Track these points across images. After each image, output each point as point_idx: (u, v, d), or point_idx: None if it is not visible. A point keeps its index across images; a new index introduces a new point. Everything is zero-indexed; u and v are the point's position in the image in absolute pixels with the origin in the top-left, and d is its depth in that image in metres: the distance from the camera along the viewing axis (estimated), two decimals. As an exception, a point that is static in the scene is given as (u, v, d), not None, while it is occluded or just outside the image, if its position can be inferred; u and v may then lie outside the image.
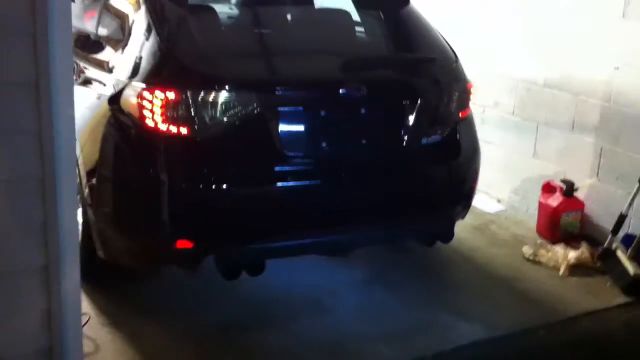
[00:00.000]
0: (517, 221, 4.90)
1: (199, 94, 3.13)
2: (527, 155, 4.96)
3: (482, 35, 5.20)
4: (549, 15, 4.69)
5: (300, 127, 3.37)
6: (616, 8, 4.25)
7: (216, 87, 3.15)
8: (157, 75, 3.23)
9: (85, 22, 4.31)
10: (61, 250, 1.97)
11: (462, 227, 4.31)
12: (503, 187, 5.15)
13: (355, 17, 3.99)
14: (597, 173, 4.48)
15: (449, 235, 3.81)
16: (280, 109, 3.29)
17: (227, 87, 3.17)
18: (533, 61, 4.84)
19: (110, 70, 3.57)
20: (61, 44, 1.81)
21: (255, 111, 3.22)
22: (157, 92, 3.10)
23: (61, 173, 1.93)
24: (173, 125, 3.12)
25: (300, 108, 3.37)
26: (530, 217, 4.84)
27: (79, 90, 3.73)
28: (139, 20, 3.51)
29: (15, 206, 1.96)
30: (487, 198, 5.14)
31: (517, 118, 5.03)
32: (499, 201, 5.19)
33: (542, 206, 4.61)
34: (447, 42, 3.88)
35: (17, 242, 1.96)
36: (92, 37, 3.98)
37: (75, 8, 4.60)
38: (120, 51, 3.57)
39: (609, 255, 4.11)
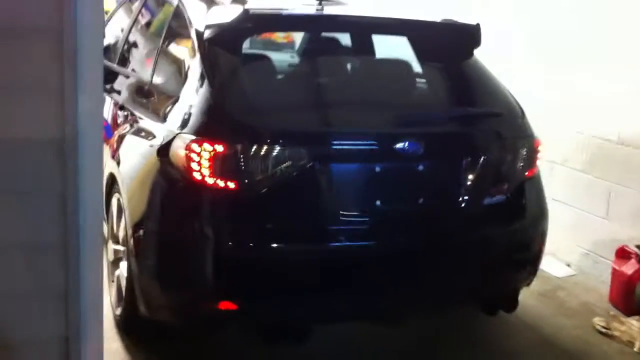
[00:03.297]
0: (588, 288, 4.56)
1: (249, 147, 2.98)
2: (599, 217, 4.64)
3: (553, 88, 4.95)
4: (621, 69, 4.41)
5: (354, 184, 3.19)
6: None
7: (266, 141, 3.00)
8: (206, 127, 3.10)
9: (147, 69, 4.27)
10: (82, 321, 1.82)
11: (527, 293, 4.02)
12: (573, 250, 4.83)
13: (417, 67, 3.82)
14: (677, 239, 4.14)
15: (512, 304, 3.55)
16: (333, 164, 3.13)
17: (277, 141, 3.01)
18: (605, 116, 4.56)
19: (163, 120, 3.48)
20: (90, 100, 1.67)
21: (307, 166, 3.05)
22: (206, 145, 2.97)
23: (85, 238, 1.78)
24: (221, 179, 2.98)
25: (354, 164, 3.19)
26: (602, 285, 4.51)
27: (131, 140, 3.73)
28: (193, 68, 3.42)
29: (34, 271, 1.82)
30: (555, 261, 4.82)
31: (588, 176, 4.73)
32: (568, 265, 4.86)
33: (615, 273, 4.28)
34: (512, 96, 3.65)
35: (36, 311, 1.82)
36: (147, 84, 3.91)
37: (139, 53, 4.58)
38: (172, 100, 3.48)
39: (689, 331, 3.75)
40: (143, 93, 3.96)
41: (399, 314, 3.33)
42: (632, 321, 3.96)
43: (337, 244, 3.14)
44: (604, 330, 3.97)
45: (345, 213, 3.12)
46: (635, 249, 4.22)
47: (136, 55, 4.56)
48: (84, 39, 1.66)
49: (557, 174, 4.90)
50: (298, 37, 5.00)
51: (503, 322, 3.93)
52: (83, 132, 1.74)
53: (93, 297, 1.89)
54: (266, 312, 3.10)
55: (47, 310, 1.84)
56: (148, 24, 4.65)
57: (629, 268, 4.20)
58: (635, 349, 3.78)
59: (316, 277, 3.09)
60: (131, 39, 4.61)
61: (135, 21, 4.61)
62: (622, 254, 4.31)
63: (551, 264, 4.74)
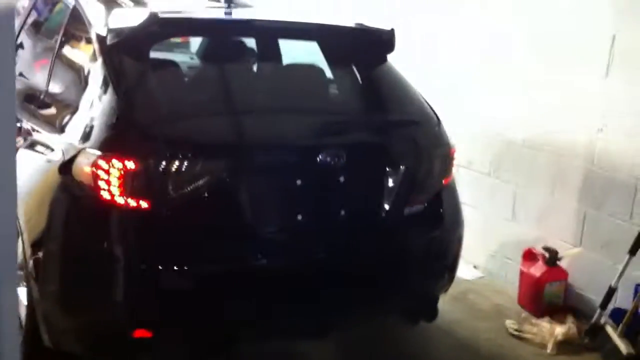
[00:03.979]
0: (497, 290, 4.62)
1: (162, 163, 2.78)
2: (505, 219, 4.71)
3: (455, 87, 4.98)
4: (531, 70, 4.48)
5: (274, 199, 3.05)
6: (599, 68, 4.07)
7: (181, 155, 2.81)
8: (114, 140, 2.87)
9: (36, 72, 3.94)
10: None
11: (440, 297, 4.00)
12: (479, 252, 4.88)
13: (330, 74, 3.71)
14: (581, 240, 4.24)
15: (433, 312, 3.51)
16: (252, 178, 2.97)
17: (193, 155, 2.83)
18: (510, 118, 4.62)
19: (61, 131, 3.19)
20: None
21: (224, 181, 2.89)
22: (114, 161, 2.74)
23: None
24: (132, 198, 2.75)
25: (274, 177, 3.05)
26: (509, 285, 4.58)
27: (25, 154, 3.41)
28: (94, 74, 3.16)
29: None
30: (463, 263, 4.81)
31: (493, 179, 4.79)
32: (475, 267, 4.92)
33: (524, 275, 4.35)
34: (428, 103, 3.61)
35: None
36: (41, 92, 3.60)
37: (25, 55, 4.23)
38: (71, 110, 3.20)
39: (598, 331, 3.85)
40: (36, 101, 3.64)
41: (323, 329, 3.22)
42: (543, 323, 4.03)
43: (257, 262, 2.99)
44: (516, 332, 4.03)
45: (265, 230, 2.99)
46: (542, 251, 4.30)
47: (24, 59, 4.21)
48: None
49: (462, 177, 4.93)
50: (197, 38, 4.78)
51: (419, 328, 3.88)
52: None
53: (9, 338, 1.65)
54: (184, 337, 2.91)
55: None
56: (37, 25, 4.31)
57: (536, 270, 4.28)
58: (548, 351, 3.84)
59: (236, 298, 2.93)
60: (18, 40, 4.25)
61: (24, 22, 4.25)
62: (529, 256, 4.38)
63: (460, 266, 4.75)
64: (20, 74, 4.05)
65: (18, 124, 3.63)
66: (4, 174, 1.47)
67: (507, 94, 4.64)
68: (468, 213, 4.58)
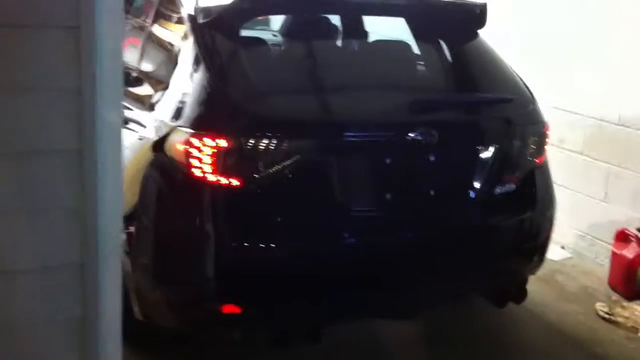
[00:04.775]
0: (586, 271, 4.49)
1: (254, 141, 2.78)
2: (597, 199, 4.55)
3: (549, 65, 4.82)
4: (626, 45, 4.29)
5: (363, 177, 3.02)
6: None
7: (274, 133, 2.80)
8: (206, 118, 2.89)
9: (125, 51, 4.00)
10: (100, 349, 1.62)
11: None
12: (568, 232, 4.74)
13: (419, 51, 3.63)
14: (678, 222, 4.07)
15: (522, 294, 3.44)
16: (342, 156, 2.94)
17: (285, 133, 2.81)
18: (605, 94, 4.44)
19: (151, 109, 3.24)
20: (109, 107, 1.46)
21: (315, 159, 2.87)
22: (207, 140, 2.76)
23: (105, 257, 1.58)
24: (224, 176, 2.77)
25: (364, 155, 3.02)
26: (599, 267, 4.45)
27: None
28: (186, 52, 3.18)
29: (49, 295, 1.61)
30: (550, 244, 4.72)
31: (585, 157, 4.63)
32: (563, 247, 4.78)
33: (616, 257, 4.20)
34: (522, 80, 3.50)
35: (50, 341, 1.62)
36: (132, 70, 3.66)
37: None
38: (162, 88, 3.24)
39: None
40: (129, 79, 3.70)
41: (411, 309, 3.20)
42: (636, 306, 3.90)
43: (346, 241, 2.96)
44: (607, 316, 3.91)
45: (354, 209, 2.96)
46: (636, 232, 4.15)
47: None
48: (104, 38, 1.44)
49: (553, 155, 4.78)
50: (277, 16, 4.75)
51: (506, 311, 3.81)
52: (102, 142, 1.53)
53: (111, 324, 1.69)
54: (273, 315, 2.94)
55: (63, 339, 1.64)
56: (125, 4, 4.37)
57: (629, 252, 4.13)
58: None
59: (326, 277, 2.92)
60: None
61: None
62: (622, 237, 4.23)
63: (547, 247, 4.65)
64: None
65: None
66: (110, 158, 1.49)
67: (602, 69, 4.45)
68: (557, 192, 4.45)
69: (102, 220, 1.57)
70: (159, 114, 3.15)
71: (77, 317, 1.64)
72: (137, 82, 3.57)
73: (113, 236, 1.61)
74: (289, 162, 2.82)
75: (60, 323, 1.64)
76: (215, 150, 2.76)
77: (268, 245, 2.84)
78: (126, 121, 3.44)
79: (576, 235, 4.71)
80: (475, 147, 3.16)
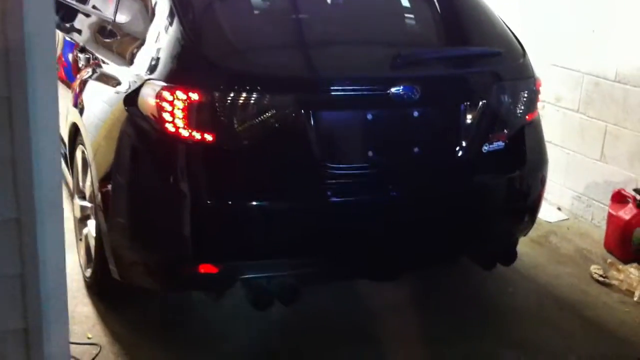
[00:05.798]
0: (582, 233, 4.38)
1: (227, 94, 2.67)
2: (593, 159, 4.42)
3: (541, 20, 4.66)
4: (627, 2, 4.13)
5: (343, 134, 2.90)
6: None
7: (247, 87, 2.69)
8: (179, 71, 2.77)
9: (109, 5, 3.87)
10: (44, 312, 1.53)
11: (520, 240, 3.81)
12: (564, 193, 4.63)
13: (405, 2, 3.49)
14: (676, 182, 3.95)
15: (511, 256, 3.34)
16: (321, 112, 2.82)
17: (260, 87, 2.70)
18: (603, 51, 4.29)
19: (130, 63, 3.13)
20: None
21: (292, 115, 2.75)
22: (179, 92, 2.65)
23: (43, 211, 1.49)
24: (197, 131, 2.67)
25: (344, 111, 2.90)
26: (595, 229, 4.34)
27: (95, 86, 3.38)
28: (161, 4, 3.05)
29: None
30: (546, 205, 4.61)
31: (582, 116, 4.49)
32: (559, 209, 4.67)
33: (612, 218, 4.09)
34: (512, 32, 3.36)
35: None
36: (109, 24, 3.54)
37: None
38: (139, 41, 3.13)
39: (691, 278, 3.60)
40: (106, 33, 3.58)
41: (393, 270, 3.10)
42: (631, 269, 3.80)
43: (325, 199, 2.86)
44: (601, 279, 3.81)
45: (333, 166, 2.85)
46: (633, 193, 4.03)
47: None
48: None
49: (548, 113, 4.66)
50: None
51: (497, 272, 3.71)
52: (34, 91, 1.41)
53: (55, 283, 1.60)
54: (249, 274, 2.85)
55: (2, 298, 1.55)
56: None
57: (626, 213, 4.02)
58: (635, 299, 3.63)
59: (305, 236, 2.83)
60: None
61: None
62: (619, 198, 4.12)
63: (542, 208, 4.52)
64: (94, 7, 4.00)
65: (88, 55, 3.59)
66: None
67: (600, 26, 4.29)
68: (553, 152, 4.35)
69: (38, 171, 1.47)
70: (135, 68, 3.04)
71: (16, 275, 1.55)
72: (114, 36, 3.45)
73: (51, 188, 1.51)
74: (264, 118, 2.71)
75: (-1, 279, 1.55)
76: (188, 104, 2.65)
77: (243, 203, 2.74)
78: (103, 76, 3.33)
79: (572, 196, 4.59)
80: (461, 103, 3.03)
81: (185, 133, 2.68)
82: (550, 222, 4.49)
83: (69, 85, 3.73)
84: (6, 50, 1.35)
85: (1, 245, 1.51)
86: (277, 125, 2.74)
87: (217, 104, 2.67)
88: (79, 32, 3.99)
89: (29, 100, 1.41)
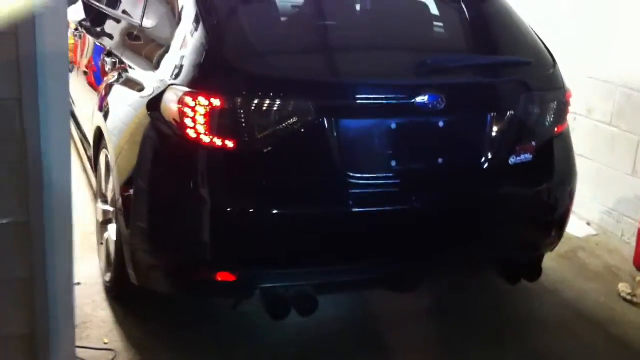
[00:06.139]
0: (611, 249, 4.28)
1: (249, 101, 2.65)
2: (625, 173, 4.32)
3: (575, 31, 4.57)
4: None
5: (366, 142, 2.86)
6: None
7: (269, 94, 2.66)
8: (201, 77, 2.75)
9: (137, 10, 3.87)
10: (51, 317, 1.51)
11: (546, 255, 3.73)
12: (594, 208, 4.53)
13: (434, 9, 3.44)
14: None
15: (536, 271, 3.26)
16: (344, 120, 2.78)
17: (282, 94, 2.67)
18: (637, 64, 4.19)
19: (155, 68, 3.12)
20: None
21: (314, 123, 2.71)
22: (201, 98, 2.63)
23: (53, 216, 1.47)
24: (218, 137, 2.65)
25: (368, 119, 2.86)
26: (625, 245, 4.23)
27: (120, 90, 3.38)
28: (187, 9, 3.04)
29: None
30: (574, 219, 4.52)
31: (614, 128, 4.39)
32: (588, 224, 4.57)
33: (642, 235, 3.99)
34: (543, 42, 3.29)
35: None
36: (136, 28, 3.54)
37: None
38: (165, 46, 3.12)
39: None
40: (132, 37, 3.59)
41: (413, 281, 3.05)
42: (661, 288, 3.69)
43: (347, 209, 2.82)
44: (629, 297, 3.71)
45: (356, 175, 2.80)
46: (665, 209, 3.93)
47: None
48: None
49: (579, 125, 4.56)
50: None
51: (522, 285, 3.61)
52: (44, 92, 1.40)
53: (62, 287, 1.58)
54: (267, 284, 2.82)
55: (9, 300, 1.53)
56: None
57: (657, 229, 3.91)
58: (664, 318, 3.52)
59: (324, 245, 2.79)
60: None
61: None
62: (650, 213, 4.02)
63: (571, 222, 4.43)
64: (124, 12, 4.01)
65: (114, 60, 3.60)
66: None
67: (635, 38, 4.19)
68: (584, 165, 4.26)
69: (48, 175, 1.46)
70: (160, 73, 3.03)
71: (24, 278, 1.53)
72: (138, 39, 3.45)
73: (61, 193, 1.49)
74: (285, 125, 2.68)
75: (6, 284, 1.53)
76: (209, 110, 2.63)
77: (263, 210, 2.70)
78: (128, 81, 3.33)
79: (602, 211, 4.49)
80: (487, 113, 2.97)
81: (206, 139, 2.65)
82: (578, 237, 4.39)
83: (97, 89, 3.74)
84: (17, 54, 1.33)
85: (11, 248, 1.49)
86: (298, 132, 2.70)
87: (239, 111, 2.64)
88: (108, 36, 4.01)
89: (39, 104, 1.39)
